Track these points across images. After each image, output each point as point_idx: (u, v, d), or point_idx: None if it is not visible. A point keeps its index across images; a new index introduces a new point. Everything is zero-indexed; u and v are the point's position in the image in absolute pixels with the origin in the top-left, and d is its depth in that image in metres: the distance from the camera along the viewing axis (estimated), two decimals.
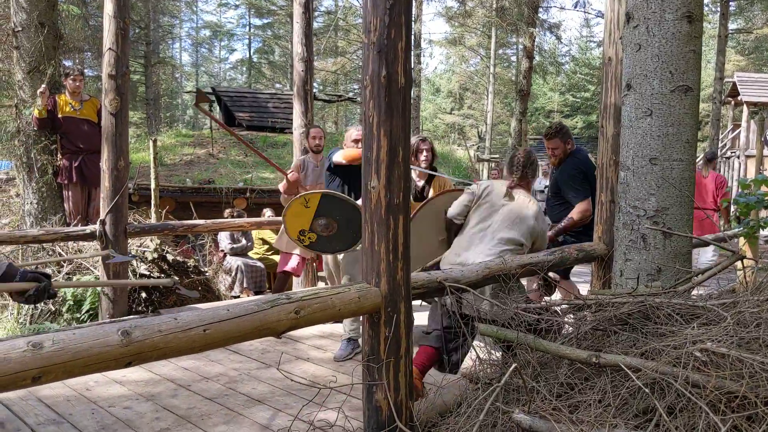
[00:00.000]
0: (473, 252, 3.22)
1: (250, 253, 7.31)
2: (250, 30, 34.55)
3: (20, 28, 5.89)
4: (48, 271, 4.69)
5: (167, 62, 30.62)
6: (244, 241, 7.20)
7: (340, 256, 4.14)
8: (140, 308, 5.15)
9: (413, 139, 4.42)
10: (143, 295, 5.21)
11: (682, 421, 1.78)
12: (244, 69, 36.44)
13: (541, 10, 18.88)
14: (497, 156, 20.78)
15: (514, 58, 32.01)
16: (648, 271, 3.14)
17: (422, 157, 4.43)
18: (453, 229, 3.50)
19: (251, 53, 34.83)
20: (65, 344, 1.55)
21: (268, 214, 7.37)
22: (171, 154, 11.12)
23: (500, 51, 29.57)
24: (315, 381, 3.47)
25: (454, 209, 3.46)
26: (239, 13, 36.71)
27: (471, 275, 2.92)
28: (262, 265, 7.18)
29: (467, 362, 2.81)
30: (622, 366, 1.93)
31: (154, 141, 6.70)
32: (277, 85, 31.48)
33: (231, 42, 39.59)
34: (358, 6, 22.07)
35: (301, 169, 5.18)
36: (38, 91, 5.66)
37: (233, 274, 6.89)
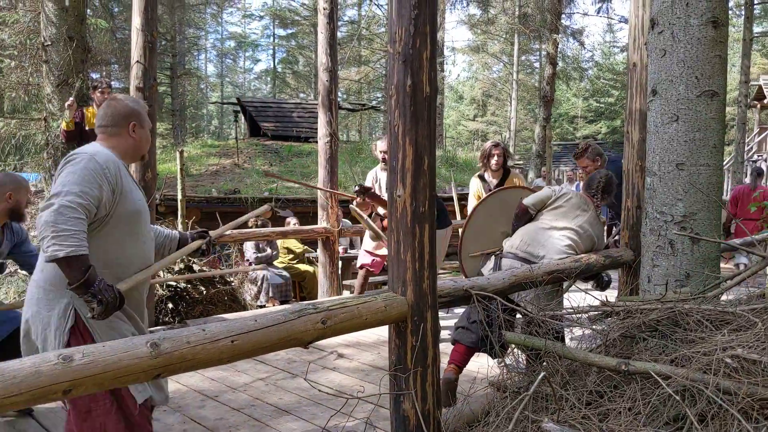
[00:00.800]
0: (541, 248, 3.38)
1: (275, 263, 7.38)
2: (274, 40, 35.00)
3: (50, 43, 6.05)
4: None
5: (193, 73, 31.14)
6: (269, 250, 7.27)
7: None
8: (167, 319, 5.23)
9: (486, 144, 5.05)
10: (170, 305, 5.28)
11: (714, 428, 1.75)
12: (269, 79, 36.91)
13: (563, 16, 18.78)
14: (521, 162, 20.67)
15: (537, 65, 31.84)
16: (676, 277, 3.10)
17: (493, 162, 4.92)
18: (523, 219, 3.65)
19: (275, 63, 35.27)
20: (95, 357, 1.58)
21: (292, 222, 7.43)
22: (197, 164, 11.30)
23: (523, 57, 29.45)
24: (341, 391, 3.48)
25: (532, 199, 3.65)
26: (263, 24, 37.18)
27: (497, 283, 2.91)
28: (288, 274, 7.24)
29: (495, 370, 2.80)
30: (652, 373, 1.91)
31: (181, 152, 6.81)
32: (302, 95, 31.79)
33: (255, 53, 40.22)
34: (381, 15, 22.22)
35: (375, 181, 5.35)
36: (66, 104, 5.80)
37: (258, 283, 6.96)
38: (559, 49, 18.96)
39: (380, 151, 4.92)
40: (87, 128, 6.00)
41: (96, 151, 2.10)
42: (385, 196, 5.11)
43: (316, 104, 6.29)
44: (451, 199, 8.65)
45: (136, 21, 4.91)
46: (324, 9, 5.87)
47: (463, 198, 7.75)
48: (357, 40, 23.65)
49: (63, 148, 6.04)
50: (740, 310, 2.37)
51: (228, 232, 5.65)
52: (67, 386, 1.50)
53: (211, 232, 2.72)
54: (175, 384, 3.66)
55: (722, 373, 1.89)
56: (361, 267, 5.47)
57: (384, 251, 5.25)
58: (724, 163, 18.27)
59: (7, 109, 9.10)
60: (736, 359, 1.91)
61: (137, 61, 4.93)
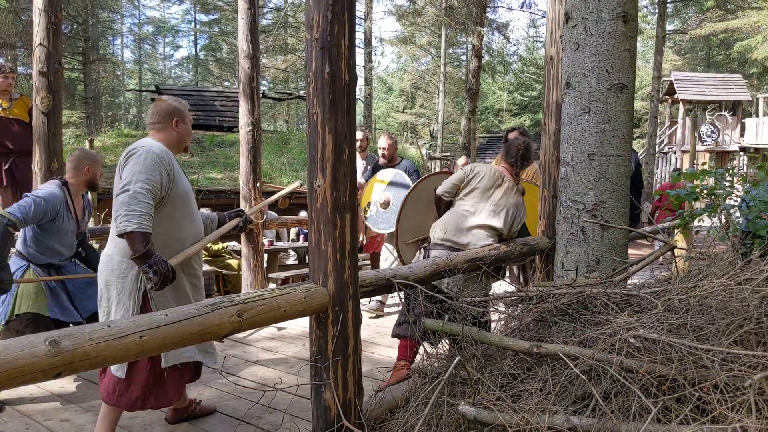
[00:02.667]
0: (464, 235, 3.45)
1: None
2: (195, 26, 33.78)
3: None
4: None
5: (108, 59, 29.61)
6: None
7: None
8: None
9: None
10: None
11: (617, 404, 1.84)
12: (191, 66, 35.62)
13: (489, 9, 19.19)
14: (448, 154, 21.03)
15: (464, 58, 32.45)
16: (587, 263, 3.25)
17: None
18: (441, 207, 3.70)
19: (197, 50, 34.07)
20: None
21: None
22: (112, 154, 10.76)
23: (450, 50, 29.91)
24: (264, 383, 3.43)
25: (443, 187, 3.69)
26: (184, 9, 35.77)
27: (419, 272, 2.95)
28: (210, 268, 7.03)
29: (416, 357, 2.83)
30: (561, 355, 1.99)
31: (91, 141, 6.47)
32: (225, 83, 30.91)
33: (176, 38, 38.59)
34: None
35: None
36: None
37: None
38: (484, 43, 19.37)
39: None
40: None
41: (151, 144, 2.51)
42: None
43: (239, 92, 6.12)
44: None
45: (38, 1, 4.60)
46: None
47: None
48: (282, 27, 23.22)
49: None
50: (643, 293, 2.51)
51: None
52: None
53: (248, 211, 3.33)
54: (87, 382, 3.48)
55: (625, 352, 1.99)
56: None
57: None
58: (638, 154, 19.36)
59: None
60: (638, 339, 2.02)
61: (40, 44, 4.62)
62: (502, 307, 2.94)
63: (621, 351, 1.95)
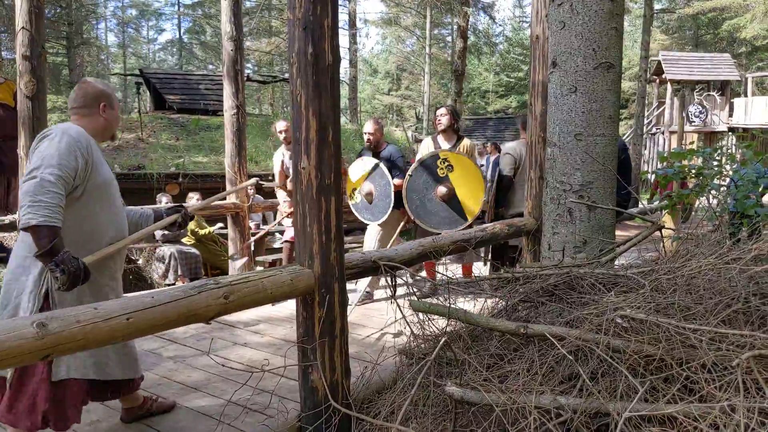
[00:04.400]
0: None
1: (183, 240, 7.11)
2: (179, 9, 33.23)
3: None
4: None
5: (92, 43, 29.11)
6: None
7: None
8: None
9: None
10: None
11: (604, 384, 1.86)
12: (175, 50, 35.09)
13: None
14: None
15: (449, 39, 32.24)
16: (574, 244, 3.26)
17: (438, 122, 5.34)
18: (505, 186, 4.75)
19: (181, 33, 33.56)
20: None
21: (195, 198, 7.17)
22: None
23: (435, 31, 29.71)
24: (252, 366, 3.43)
25: (506, 169, 4.79)
26: None
27: (405, 254, 2.94)
28: (197, 252, 7.00)
29: (402, 338, 2.84)
30: (548, 335, 2.00)
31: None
32: (210, 66, 30.53)
33: (160, 22, 38.07)
34: None
35: (283, 163, 5.54)
36: None
37: (166, 261, 6.69)
38: (470, 24, 19.25)
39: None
40: None
41: (68, 126, 2.29)
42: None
43: (220, 75, 6.03)
44: None
45: None
46: None
47: None
48: (265, 9, 22.91)
49: None
50: (630, 273, 2.52)
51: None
52: None
53: (189, 206, 2.93)
54: None
55: (612, 332, 2.00)
56: (287, 242, 5.62)
57: None
58: (625, 135, 19.42)
59: None
60: (625, 319, 2.03)
61: (23, 28, 4.53)
62: (487, 288, 2.95)
63: (608, 331, 1.96)
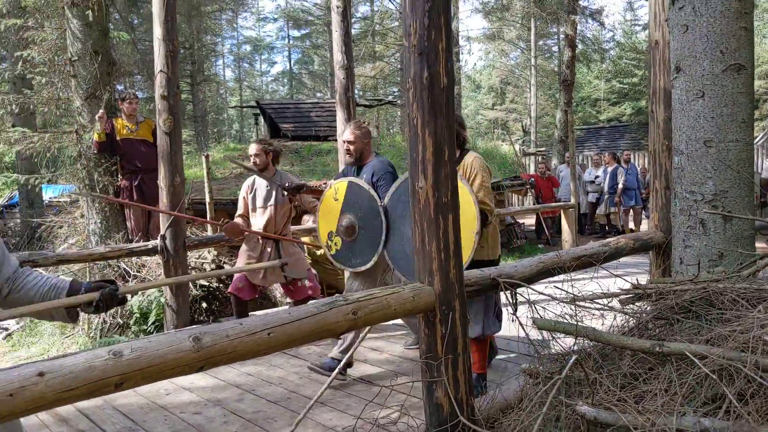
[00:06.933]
0: None
1: None
2: (289, 42, 35.17)
3: (76, 58, 6.19)
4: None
5: (212, 79, 31.46)
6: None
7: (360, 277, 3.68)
8: (201, 318, 5.33)
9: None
10: (204, 305, 5.38)
11: (755, 406, 1.73)
12: (286, 80, 37.09)
13: None
14: (543, 149, 20.45)
15: (555, 48, 31.40)
16: (709, 257, 3.05)
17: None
18: None
19: (291, 64, 35.43)
20: (142, 352, 1.64)
21: (310, 221, 7.46)
22: (221, 168, 11.44)
23: (541, 42, 29.09)
24: (373, 382, 3.52)
25: None
26: (278, 26, 37.59)
27: (525, 270, 2.91)
28: (315, 271, 7.27)
29: (526, 358, 2.80)
30: (687, 353, 1.90)
31: (207, 156, 6.92)
32: (318, 94, 31.93)
33: (271, 55, 40.59)
34: (394, 9, 22.14)
35: (250, 190, 4.79)
36: (96, 116, 5.93)
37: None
38: (578, 31, 18.67)
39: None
40: (117, 138, 6.14)
41: None
42: (258, 206, 4.67)
43: (334, 102, 6.32)
44: None
45: (158, 31, 5.00)
46: (337, 7, 5.89)
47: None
48: (371, 36, 23.61)
49: (95, 158, 6.17)
50: None
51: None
52: (118, 380, 1.57)
53: (122, 288, 1.97)
54: (213, 379, 3.75)
55: (760, 350, 1.86)
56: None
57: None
58: (756, 139, 17.82)
59: (39, 123, 9.32)
60: None
61: (161, 71, 5.02)
62: (617, 304, 2.83)
63: (755, 350, 1.82)
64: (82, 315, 1.75)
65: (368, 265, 3.50)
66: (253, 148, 4.62)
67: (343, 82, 5.98)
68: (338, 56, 5.99)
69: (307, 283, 4.78)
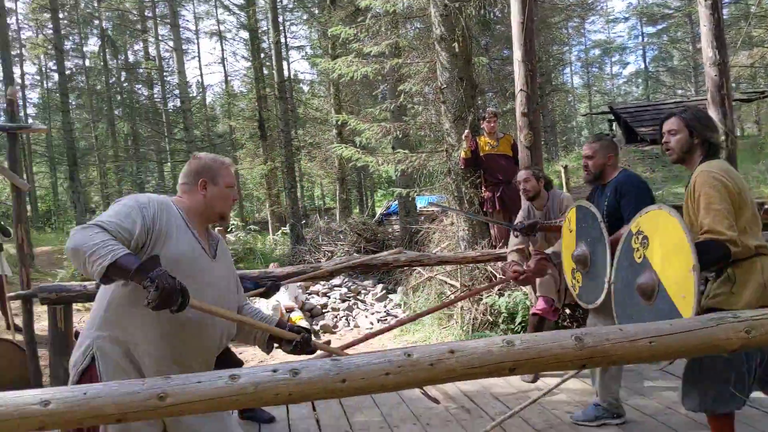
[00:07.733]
0: None
1: None
2: (643, 40, 32.96)
3: (445, 86, 7.12)
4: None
5: (560, 89, 31.65)
6: None
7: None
8: (565, 323, 5.45)
9: None
10: (567, 311, 5.49)
11: None
12: (640, 81, 34.84)
13: None
14: None
15: None
16: None
17: None
18: None
19: (646, 63, 33.11)
20: (530, 345, 1.86)
21: None
22: (574, 176, 11.51)
23: None
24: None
25: None
26: (629, 26, 35.62)
27: None
28: None
29: None
30: None
31: (565, 167, 7.10)
32: (679, 91, 29.01)
33: (623, 56, 38.51)
34: None
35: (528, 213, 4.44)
36: (463, 136, 6.68)
37: None
38: None
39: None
40: (481, 154, 6.81)
41: (151, 195, 2.14)
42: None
43: (702, 100, 5.76)
44: None
45: (517, 54, 5.41)
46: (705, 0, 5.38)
47: None
48: (746, 20, 20.36)
49: (462, 173, 6.96)
50: None
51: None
52: (511, 365, 1.82)
53: (314, 340, 2.23)
54: (582, 384, 3.84)
55: None
56: (534, 314, 4.33)
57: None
58: None
59: (415, 145, 10.97)
60: None
61: (521, 90, 5.42)
62: None
63: None
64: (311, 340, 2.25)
65: (599, 301, 2.91)
66: (522, 174, 4.35)
67: (715, 79, 5.45)
68: (708, 52, 5.47)
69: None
